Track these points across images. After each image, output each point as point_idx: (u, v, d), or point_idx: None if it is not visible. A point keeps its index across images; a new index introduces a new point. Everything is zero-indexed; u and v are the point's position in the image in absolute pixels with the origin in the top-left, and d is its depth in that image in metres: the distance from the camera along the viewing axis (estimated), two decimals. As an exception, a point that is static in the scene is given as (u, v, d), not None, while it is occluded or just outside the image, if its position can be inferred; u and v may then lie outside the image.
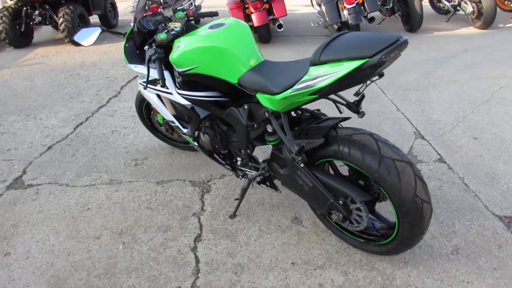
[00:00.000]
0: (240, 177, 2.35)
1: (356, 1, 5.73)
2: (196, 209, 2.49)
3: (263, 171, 2.13)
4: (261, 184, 2.29)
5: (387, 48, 1.45)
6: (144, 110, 2.96)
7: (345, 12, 5.78)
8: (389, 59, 1.48)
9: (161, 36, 2.23)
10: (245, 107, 2.07)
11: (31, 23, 6.33)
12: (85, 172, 2.92)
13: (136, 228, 2.34)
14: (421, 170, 2.79)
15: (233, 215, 2.39)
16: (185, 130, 2.45)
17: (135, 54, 2.48)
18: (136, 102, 2.93)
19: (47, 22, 6.33)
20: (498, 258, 2.03)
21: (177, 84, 2.27)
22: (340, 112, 2.17)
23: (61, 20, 6.01)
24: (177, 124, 2.47)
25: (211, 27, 2.15)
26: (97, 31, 2.39)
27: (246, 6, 5.77)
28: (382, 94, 4.12)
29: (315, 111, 2.14)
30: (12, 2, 6.05)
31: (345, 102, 2.05)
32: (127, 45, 2.51)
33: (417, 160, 2.93)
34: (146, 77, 2.29)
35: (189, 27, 2.47)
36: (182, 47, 2.11)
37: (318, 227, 2.27)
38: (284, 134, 1.86)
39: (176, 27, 2.35)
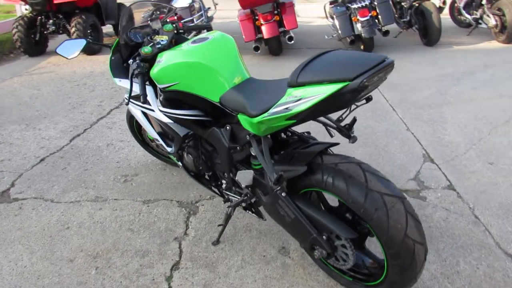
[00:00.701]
0: (224, 201, 2.19)
1: (370, 14, 5.54)
2: (179, 233, 2.34)
3: (245, 198, 1.96)
4: (247, 210, 2.13)
5: (369, 70, 1.28)
6: (135, 124, 2.85)
7: (359, 25, 5.60)
8: (372, 82, 1.30)
9: (146, 49, 2.12)
10: (227, 127, 1.92)
11: (45, 32, 6.38)
12: (72, 187, 2.81)
13: (113, 252, 2.20)
14: (426, 198, 2.57)
15: (216, 242, 2.23)
16: (169, 149, 2.32)
17: (121, 68, 2.37)
18: (126, 116, 2.83)
19: (60, 31, 6.38)
20: (506, 307, 1.80)
21: (159, 101, 2.14)
22: (331, 136, 2.00)
23: (73, 29, 6.04)
24: (161, 142, 2.33)
25: (194, 42, 2.02)
26: (81, 44, 2.29)
27: (256, 17, 5.66)
28: (392, 112, 3.90)
29: (304, 134, 1.97)
30: (27, 11, 6.12)
31: (335, 126, 1.87)
32: (113, 58, 2.40)
33: (424, 186, 2.71)
34: (128, 92, 2.18)
35: (179, 40, 2.35)
36: (162, 62, 1.98)
37: (305, 260, 2.09)
38: (264, 160, 1.70)
39: (162, 41, 2.24)
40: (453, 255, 2.10)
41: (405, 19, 6.54)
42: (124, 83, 2.31)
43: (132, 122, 2.84)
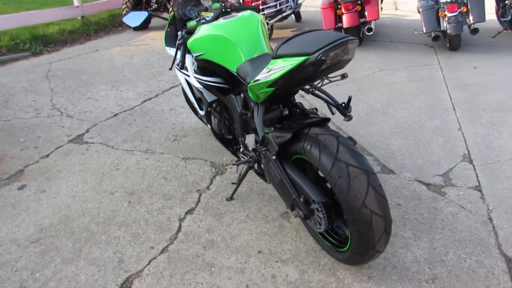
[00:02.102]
0: (236, 162, 2.47)
1: (459, 10, 5.26)
2: (202, 186, 2.68)
3: (250, 159, 2.22)
4: (258, 175, 2.38)
5: (326, 46, 1.44)
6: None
7: (445, 20, 5.35)
8: (329, 58, 1.47)
9: (191, 23, 2.46)
10: (241, 95, 2.18)
11: (149, 9, 7.18)
12: (131, 139, 3.32)
13: (145, 192, 2.63)
14: (446, 194, 2.56)
15: (230, 198, 2.52)
16: (201, 112, 2.66)
17: (173, 38, 2.75)
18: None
19: (161, 9, 7.11)
20: (476, 299, 1.82)
21: (193, 68, 2.48)
22: (333, 113, 2.15)
23: (170, 8, 6.70)
24: (196, 106, 2.68)
25: (224, 18, 2.30)
26: (143, 15, 2.72)
27: (339, 6, 5.72)
28: (451, 111, 3.78)
29: (308, 109, 2.14)
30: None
31: (334, 104, 2.03)
32: (168, 29, 2.79)
33: (449, 183, 2.69)
34: (173, 59, 2.55)
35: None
36: (196, 34, 2.30)
37: (301, 225, 2.28)
38: (257, 124, 1.93)
39: (207, 17, 2.55)
40: (446, 246, 2.13)
41: (506, 18, 6.04)
42: (172, 51, 2.69)
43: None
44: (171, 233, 2.27)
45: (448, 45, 5.68)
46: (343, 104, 2.01)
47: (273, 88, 1.72)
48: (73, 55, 5.82)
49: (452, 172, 2.81)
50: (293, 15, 7.46)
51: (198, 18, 2.53)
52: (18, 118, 3.72)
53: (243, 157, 2.39)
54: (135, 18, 2.71)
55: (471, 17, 5.29)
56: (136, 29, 7.00)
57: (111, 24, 7.56)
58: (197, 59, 2.35)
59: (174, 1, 2.65)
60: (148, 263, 2.06)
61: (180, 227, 2.31)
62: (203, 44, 2.25)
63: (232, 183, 2.59)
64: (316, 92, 2.07)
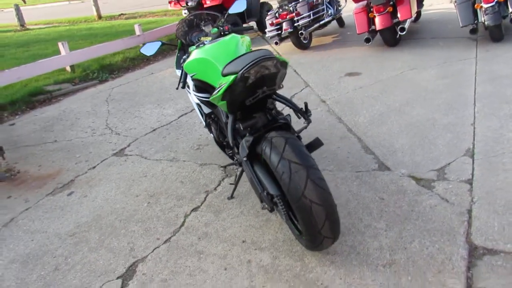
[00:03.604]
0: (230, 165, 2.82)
1: (496, 0, 5.08)
2: (211, 188, 3.08)
3: (237, 162, 2.56)
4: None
5: (246, 65, 1.76)
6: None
7: (482, 12, 5.19)
8: (252, 74, 1.78)
9: (191, 48, 2.89)
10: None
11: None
12: (162, 149, 3.85)
13: (163, 194, 3.09)
14: (434, 188, 2.66)
15: (230, 197, 2.88)
16: (204, 123, 3.07)
17: (181, 62, 3.20)
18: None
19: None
20: (425, 283, 1.96)
21: (192, 87, 2.90)
22: (298, 118, 2.41)
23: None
24: (201, 118, 3.10)
25: (210, 42, 2.69)
26: (157, 45, 3.20)
27: (371, 9, 5.82)
28: (471, 106, 3.75)
29: (280, 116, 2.41)
30: (186, 15, 7.66)
31: (295, 109, 2.30)
32: (178, 54, 3.26)
33: (442, 178, 2.77)
34: (179, 80, 3.00)
35: None
36: (189, 58, 2.72)
37: (284, 219, 2.56)
38: (228, 131, 2.28)
39: (206, 41, 2.96)
40: (413, 235, 2.27)
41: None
42: (179, 73, 3.14)
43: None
44: (175, 227, 2.69)
45: (489, 37, 5.48)
46: (301, 109, 2.27)
47: (224, 102, 2.06)
48: (131, 79, 6.63)
49: (449, 167, 2.88)
50: (336, 21, 7.63)
51: (198, 43, 2.95)
52: (78, 138, 4.46)
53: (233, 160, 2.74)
54: (150, 48, 3.20)
55: (510, 6, 5.07)
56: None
57: (168, 47, 8.37)
58: (192, 79, 2.77)
59: (178, 30, 3.10)
60: (152, 251, 2.49)
61: (184, 222, 2.73)
62: (194, 66, 2.65)
63: (230, 184, 2.94)
64: (279, 99, 2.35)
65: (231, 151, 2.44)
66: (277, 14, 6.40)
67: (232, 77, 1.83)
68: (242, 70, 1.77)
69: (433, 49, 5.66)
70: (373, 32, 5.92)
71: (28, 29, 13.63)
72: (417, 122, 3.60)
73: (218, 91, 1.98)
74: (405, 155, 3.11)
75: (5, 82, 6.17)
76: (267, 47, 7.41)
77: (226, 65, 2.01)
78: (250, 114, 2.39)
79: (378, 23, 5.74)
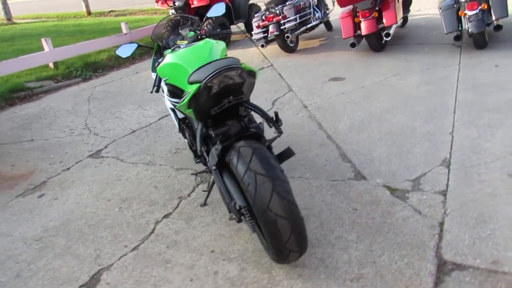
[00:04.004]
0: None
1: (479, 7, 5.09)
2: (184, 194, 3.02)
3: (207, 169, 2.51)
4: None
5: (210, 75, 1.71)
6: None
7: (466, 19, 5.20)
8: (215, 84, 1.73)
9: (166, 51, 2.83)
10: (196, 113, 2.48)
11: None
12: (139, 153, 3.78)
13: (136, 199, 3.03)
14: (408, 199, 2.63)
15: (204, 204, 2.82)
16: (178, 128, 3.01)
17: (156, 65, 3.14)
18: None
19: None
20: (391, 297, 1.93)
21: (166, 91, 2.83)
22: (270, 127, 2.36)
23: (205, 28, 7.20)
24: (176, 123, 3.04)
25: (184, 46, 2.63)
26: (133, 47, 3.13)
27: (357, 14, 5.80)
28: (451, 113, 3.73)
29: (252, 125, 2.36)
30: (173, 15, 7.58)
31: (265, 118, 2.25)
32: (154, 57, 3.19)
33: (417, 188, 2.74)
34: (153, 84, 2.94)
35: None
36: (162, 62, 2.66)
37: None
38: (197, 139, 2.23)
39: (182, 45, 2.90)
40: (383, 248, 2.24)
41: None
42: (154, 76, 3.08)
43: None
44: (145, 234, 2.63)
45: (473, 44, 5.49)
46: (272, 119, 2.23)
47: (191, 110, 2.01)
48: (116, 78, 6.54)
49: (424, 177, 2.85)
50: (323, 24, 7.61)
51: (174, 47, 2.88)
52: (55, 137, 4.37)
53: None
54: (126, 49, 3.12)
55: (493, 14, 5.08)
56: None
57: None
58: (165, 83, 2.70)
59: (154, 32, 3.04)
60: (119, 259, 2.43)
61: (154, 229, 2.67)
62: (166, 70, 2.59)
63: (203, 191, 2.89)
64: (251, 108, 2.30)
65: (198, 159, 2.38)
66: (263, 17, 6.35)
67: (196, 86, 1.78)
68: (205, 80, 1.72)
69: (418, 55, 5.66)
70: (359, 37, 5.90)
71: (15, 23, 13.43)
72: (397, 130, 3.58)
73: (183, 99, 1.93)
74: (382, 164, 3.08)
75: (-17, 78, 6.05)
76: (254, 49, 7.36)
77: (193, 72, 1.96)
78: (222, 121, 2.33)
79: (364, 28, 5.72)
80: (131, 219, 2.79)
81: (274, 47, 6.81)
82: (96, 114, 4.95)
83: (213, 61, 1.97)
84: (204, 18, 3.27)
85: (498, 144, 3.10)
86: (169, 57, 2.61)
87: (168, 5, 7.44)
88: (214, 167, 2.19)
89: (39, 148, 4.15)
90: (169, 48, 2.94)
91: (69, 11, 15.80)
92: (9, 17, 13.54)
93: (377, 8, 5.71)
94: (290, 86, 5.08)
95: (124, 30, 7.96)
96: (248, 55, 7.02)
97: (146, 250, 2.48)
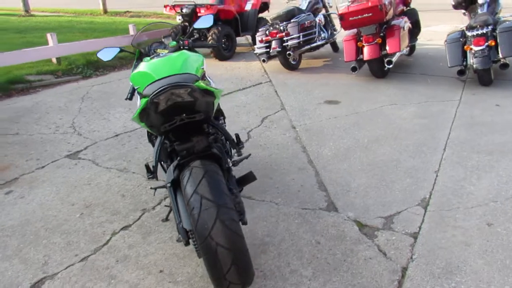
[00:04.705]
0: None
1: (486, 43, 4.97)
2: (149, 206, 2.92)
3: (166, 184, 2.41)
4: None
5: (156, 91, 1.62)
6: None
7: (471, 54, 5.08)
8: (162, 101, 1.64)
9: (145, 59, 2.76)
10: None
11: (191, 38, 7.76)
12: (116, 157, 3.70)
13: (99, 206, 2.94)
14: (376, 237, 2.50)
15: (165, 219, 2.72)
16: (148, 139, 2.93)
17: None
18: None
19: (202, 39, 7.65)
20: None
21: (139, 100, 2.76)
22: (231, 148, 2.27)
23: (209, 38, 7.20)
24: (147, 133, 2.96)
25: (164, 55, 2.56)
26: (115, 50, 3.08)
27: (361, 38, 5.71)
28: (440, 151, 3.59)
29: (213, 143, 2.26)
30: (180, 21, 7.59)
31: (227, 139, 2.16)
32: (135, 63, 3.13)
33: (388, 227, 2.62)
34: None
35: None
36: (135, 70, 2.59)
37: (211, 251, 2.40)
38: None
39: (162, 54, 2.84)
40: (337, 288, 2.11)
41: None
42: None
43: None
44: (98, 244, 2.53)
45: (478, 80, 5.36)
46: (234, 141, 2.13)
47: (143, 123, 1.92)
48: (114, 79, 6.52)
49: (398, 216, 2.72)
50: (330, 45, 7.54)
51: (153, 55, 2.82)
52: (40, 133, 4.33)
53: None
54: (108, 53, 3.08)
55: (500, 51, 4.95)
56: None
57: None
58: (137, 91, 2.63)
59: (135, 39, 2.98)
60: (65, 268, 2.34)
61: (109, 240, 2.57)
62: (138, 79, 2.50)
63: (165, 206, 2.79)
64: (213, 126, 2.21)
65: (151, 175, 2.30)
66: (267, 32, 6.30)
67: (144, 100, 1.70)
68: (151, 96, 1.64)
69: (420, 85, 5.53)
70: (361, 62, 5.81)
71: (32, 15, 13.62)
72: (380, 162, 3.45)
73: (135, 113, 1.85)
74: (358, 197, 2.95)
75: (-15, 67, 6.07)
76: (256, 63, 7.31)
77: (147, 85, 1.88)
78: (188, 137, 2.25)
79: (366, 53, 5.62)
80: (89, 227, 2.70)
81: (276, 63, 6.74)
82: (85, 113, 4.91)
83: (171, 75, 1.89)
84: (191, 29, 3.21)
85: (483, 189, 2.96)
86: (142, 65, 2.53)
87: (176, 12, 7.44)
88: (169, 184, 2.10)
89: (21, 143, 4.10)
90: (149, 56, 2.88)
91: (86, 8, 16.01)
92: (27, 9, 13.75)
93: (381, 34, 5.62)
94: (284, 105, 4.99)
95: (132, 32, 7.97)
96: (249, 69, 6.97)
97: (95, 262, 2.38)
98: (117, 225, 2.71)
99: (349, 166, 3.41)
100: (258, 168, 3.41)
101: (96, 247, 2.50)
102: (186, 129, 2.11)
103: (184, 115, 1.87)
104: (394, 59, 5.55)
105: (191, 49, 3.00)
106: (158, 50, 2.87)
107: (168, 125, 1.91)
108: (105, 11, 14.55)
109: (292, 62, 6.45)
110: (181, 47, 2.93)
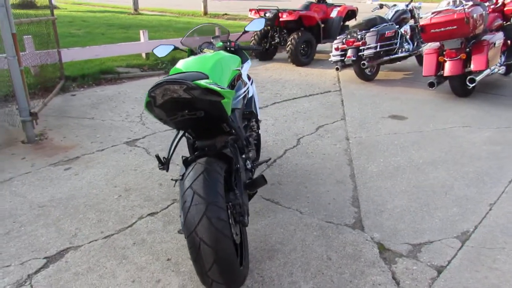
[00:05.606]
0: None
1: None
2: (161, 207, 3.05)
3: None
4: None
5: (155, 84, 1.70)
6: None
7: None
8: (158, 95, 1.71)
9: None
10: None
11: (273, 43, 7.89)
12: (167, 149, 3.90)
13: (136, 191, 3.15)
14: (395, 264, 2.33)
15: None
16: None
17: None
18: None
19: (282, 44, 7.73)
20: None
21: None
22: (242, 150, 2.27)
23: (288, 43, 7.26)
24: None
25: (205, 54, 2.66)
26: (170, 48, 3.27)
27: (443, 53, 5.31)
28: (504, 183, 3.20)
29: (228, 144, 2.29)
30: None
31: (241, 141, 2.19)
32: (187, 60, 3.28)
33: (413, 255, 2.42)
34: None
35: (239, 55, 3.01)
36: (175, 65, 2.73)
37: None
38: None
39: (207, 53, 2.96)
40: (331, 310, 2.00)
41: None
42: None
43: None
44: (123, 225, 2.71)
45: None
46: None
47: (153, 115, 2.02)
48: (192, 76, 6.87)
49: (429, 246, 2.49)
50: (415, 57, 7.11)
51: (200, 55, 2.94)
52: (111, 120, 4.75)
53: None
54: (163, 50, 3.28)
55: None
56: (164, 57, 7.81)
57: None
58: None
59: (185, 37, 3.14)
60: (89, 242, 2.54)
61: (134, 223, 2.74)
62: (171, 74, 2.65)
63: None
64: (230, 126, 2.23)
65: (161, 166, 2.39)
66: (344, 40, 6.15)
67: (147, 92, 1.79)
68: (149, 89, 1.72)
69: (505, 109, 4.96)
70: (441, 77, 5.38)
71: (139, 14, 14.96)
72: (428, 186, 3.18)
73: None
74: (390, 219, 2.76)
75: (84, 57, 6.83)
76: (332, 71, 7.17)
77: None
78: (206, 134, 2.31)
79: (447, 69, 5.20)
80: (121, 209, 2.90)
81: (352, 72, 6.55)
82: (155, 105, 5.26)
83: (182, 72, 1.96)
84: (242, 32, 3.28)
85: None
86: (179, 62, 2.66)
87: (260, 15, 7.61)
88: (180, 177, 2.17)
89: (93, 126, 4.55)
90: (197, 54, 3.01)
91: (189, 9, 17.10)
92: (136, 8, 15.14)
93: (467, 49, 5.14)
94: (345, 115, 4.83)
95: (217, 33, 8.34)
96: (322, 76, 6.87)
97: (115, 241, 2.55)
98: (146, 210, 2.88)
99: (392, 186, 3.19)
100: (295, 176, 3.36)
101: (121, 228, 2.68)
102: (206, 127, 2.18)
103: (186, 111, 1.93)
104: (478, 78, 5.04)
105: (237, 51, 3.07)
106: (205, 49, 2.98)
107: (170, 119, 1.98)
108: (205, 13, 15.41)
109: (368, 73, 6.21)
110: (227, 48, 3.01)
